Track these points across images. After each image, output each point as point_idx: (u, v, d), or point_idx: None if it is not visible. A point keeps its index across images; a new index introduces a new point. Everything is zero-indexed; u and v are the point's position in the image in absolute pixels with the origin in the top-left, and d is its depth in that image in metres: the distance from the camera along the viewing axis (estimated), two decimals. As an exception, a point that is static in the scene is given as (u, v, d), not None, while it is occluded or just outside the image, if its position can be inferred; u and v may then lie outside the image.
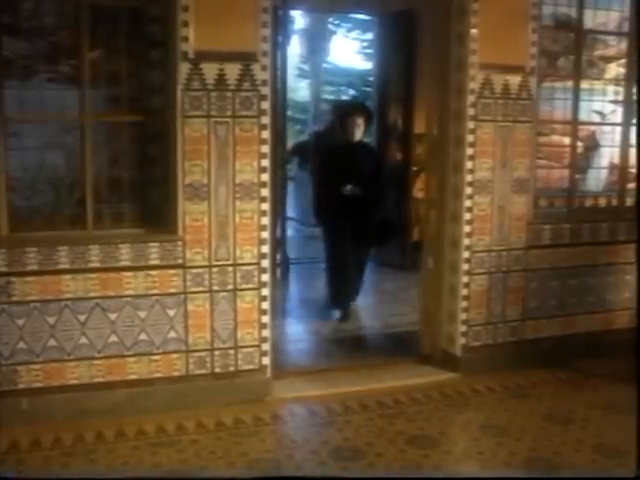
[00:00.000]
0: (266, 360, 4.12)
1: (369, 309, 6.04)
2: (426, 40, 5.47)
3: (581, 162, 5.23)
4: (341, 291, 5.73)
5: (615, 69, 5.25)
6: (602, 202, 5.10)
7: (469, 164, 4.44)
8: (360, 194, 5.49)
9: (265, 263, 4.04)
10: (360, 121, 5.64)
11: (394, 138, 7.32)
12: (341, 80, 12.87)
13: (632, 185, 5.01)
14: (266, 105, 3.94)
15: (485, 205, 4.52)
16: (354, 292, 5.86)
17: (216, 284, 3.97)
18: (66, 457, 3.43)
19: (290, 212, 8.00)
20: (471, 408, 4.19)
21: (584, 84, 4.99)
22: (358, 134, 5.66)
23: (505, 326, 4.70)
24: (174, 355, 3.95)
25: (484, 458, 3.56)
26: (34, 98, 3.77)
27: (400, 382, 4.43)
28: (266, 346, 4.10)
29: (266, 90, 3.94)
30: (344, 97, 14.22)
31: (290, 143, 9.06)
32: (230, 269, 3.98)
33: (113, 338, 3.84)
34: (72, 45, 3.83)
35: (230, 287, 3.99)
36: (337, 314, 5.72)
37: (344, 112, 6.01)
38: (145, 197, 4.00)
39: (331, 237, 5.77)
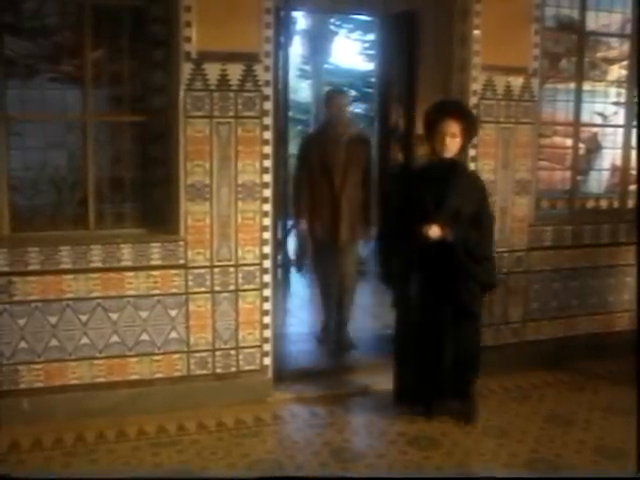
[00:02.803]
0: (267, 361, 4.12)
1: (370, 310, 6.03)
2: (428, 41, 5.48)
3: (583, 164, 5.24)
4: (422, 389, 3.97)
5: (617, 71, 5.26)
6: (603, 204, 5.11)
7: (471, 165, 4.44)
8: (451, 240, 3.73)
9: (267, 264, 4.04)
10: (457, 129, 3.80)
11: (395, 139, 7.32)
12: (343, 81, 12.82)
13: (633, 187, 5.01)
14: (268, 106, 3.94)
15: (487, 206, 4.52)
16: (453, 384, 3.96)
17: (218, 284, 3.97)
18: (67, 457, 3.43)
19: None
20: (472, 409, 4.19)
21: (586, 86, 5.00)
22: (453, 149, 3.83)
23: (506, 327, 4.70)
24: (175, 355, 3.95)
25: (485, 459, 3.56)
26: (36, 98, 3.77)
27: (401, 383, 4.43)
28: (267, 347, 4.10)
29: (268, 91, 3.94)
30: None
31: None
32: (232, 270, 3.98)
33: (114, 338, 3.84)
34: (74, 45, 3.84)
35: (232, 288, 3.99)
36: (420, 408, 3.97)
37: (434, 115, 3.89)
38: (147, 197, 4.00)
39: (405, 305, 3.92)
